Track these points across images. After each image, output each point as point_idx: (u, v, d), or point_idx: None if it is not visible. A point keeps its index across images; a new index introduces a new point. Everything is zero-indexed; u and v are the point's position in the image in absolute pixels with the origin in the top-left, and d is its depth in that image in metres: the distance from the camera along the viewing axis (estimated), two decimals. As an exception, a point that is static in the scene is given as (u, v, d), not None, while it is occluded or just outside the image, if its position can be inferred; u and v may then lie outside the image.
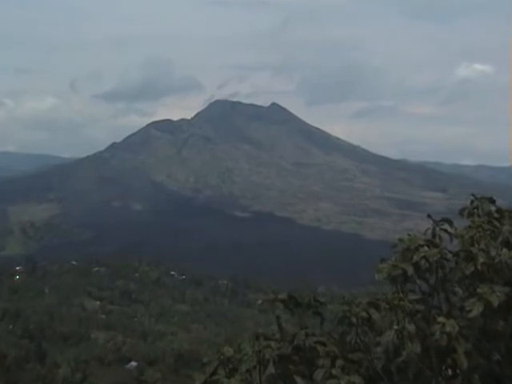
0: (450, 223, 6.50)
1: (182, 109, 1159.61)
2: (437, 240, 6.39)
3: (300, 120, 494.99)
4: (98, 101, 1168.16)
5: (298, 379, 5.83)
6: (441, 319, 5.67)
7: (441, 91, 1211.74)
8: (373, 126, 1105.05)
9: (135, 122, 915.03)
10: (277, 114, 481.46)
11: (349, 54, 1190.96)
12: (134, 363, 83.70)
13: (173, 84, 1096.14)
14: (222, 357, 6.10)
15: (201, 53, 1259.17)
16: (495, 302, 5.63)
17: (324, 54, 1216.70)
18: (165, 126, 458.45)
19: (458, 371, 5.83)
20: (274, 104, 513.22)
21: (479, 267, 6.05)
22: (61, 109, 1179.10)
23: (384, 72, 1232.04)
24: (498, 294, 5.67)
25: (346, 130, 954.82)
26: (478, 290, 5.76)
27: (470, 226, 6.41)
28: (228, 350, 6.12)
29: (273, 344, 5.94)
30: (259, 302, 6.49)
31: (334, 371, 5.60)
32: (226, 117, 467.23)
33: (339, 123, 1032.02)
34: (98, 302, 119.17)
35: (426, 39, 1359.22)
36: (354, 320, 5.89)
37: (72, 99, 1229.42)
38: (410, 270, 6.05)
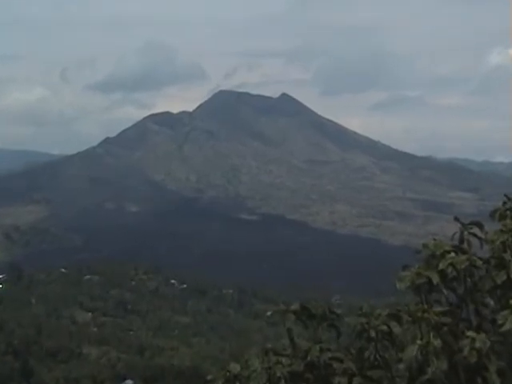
0: (481, 227, 6.50)
1: (183, 100, 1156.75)
2: (465, 245, 6.39)
3: (313, 112, 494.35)
4: (91, 91, 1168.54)
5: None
6: (470, 333, 5.67)
7: (471, 80, 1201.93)
8: (395, 118, 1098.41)
9: (131, 114, 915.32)
10: (287, 106, 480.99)
11: (370, 40, 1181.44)
12: (129, 381, 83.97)
13: (174, 73, 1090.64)
14: (227, 374, 6.13)
15: (206, 38, 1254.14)
16: (530, 315, 5.62)
17: (342, 39, 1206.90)
18: (164, 119, 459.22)
19: (489, 391, 5.83)
20: (284, 95, 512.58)
21: (512, 276, 6.04)
22: (49, 100, 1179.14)
23: (409, 59, 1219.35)
24: (534, 305, 5.66)
25: (364, 123, 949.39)
26: (511, 302, 5.75)
27: (501, 230, 6.39)
28: (234, 367, 6.15)
29: (284, 360, 5.96)
30: (269, 313, 6.53)
31: (351, 390, 5.62)
32: (231, 109, 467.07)
33: (357, 116, 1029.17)
34: (90, 314, 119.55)
35: (455, 22, 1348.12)
36: (373, 334, 5.89)
37: (62, 89, 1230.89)
38: (436, 279, 6.06)
